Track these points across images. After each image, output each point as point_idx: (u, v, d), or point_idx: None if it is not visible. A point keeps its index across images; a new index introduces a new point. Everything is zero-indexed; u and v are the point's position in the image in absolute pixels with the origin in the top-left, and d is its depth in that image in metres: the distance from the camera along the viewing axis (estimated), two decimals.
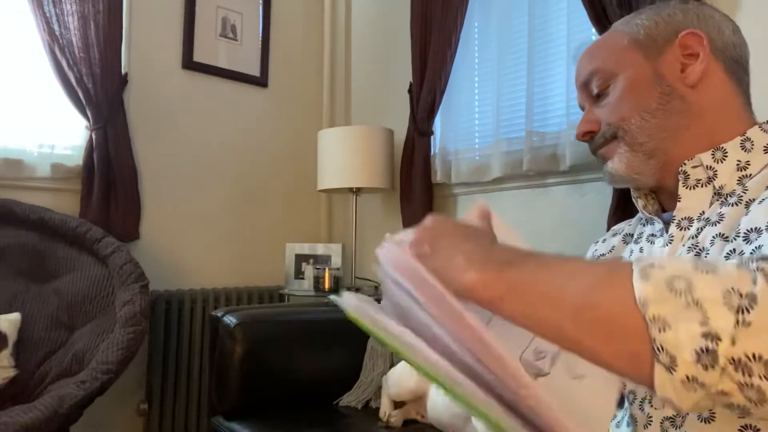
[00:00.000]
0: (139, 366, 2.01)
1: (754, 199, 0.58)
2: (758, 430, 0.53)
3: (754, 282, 0.36)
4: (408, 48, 2.12)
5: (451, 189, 2.08)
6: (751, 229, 0.54)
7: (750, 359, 0.35)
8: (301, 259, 2.30)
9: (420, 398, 1.45)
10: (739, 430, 0.53)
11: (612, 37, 0.72)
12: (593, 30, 1.56)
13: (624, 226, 0.82)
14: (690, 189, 0.65)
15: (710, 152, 0.64)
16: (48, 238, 1.77)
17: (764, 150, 0.62)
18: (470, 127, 2.06)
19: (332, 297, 0.46)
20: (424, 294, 0.43)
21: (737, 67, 0.67)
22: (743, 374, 0.35)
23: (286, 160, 2.51)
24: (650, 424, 0.61)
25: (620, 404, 0.70)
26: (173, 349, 2.04)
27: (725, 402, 0.38)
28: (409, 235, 0.49)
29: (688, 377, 0.36)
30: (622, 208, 1.45)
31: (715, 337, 0.36)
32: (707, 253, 0.59)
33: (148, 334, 1.99)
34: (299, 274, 2.29)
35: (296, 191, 2.53)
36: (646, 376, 0.38)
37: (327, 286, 2.07)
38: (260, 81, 2.43)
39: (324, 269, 2.09)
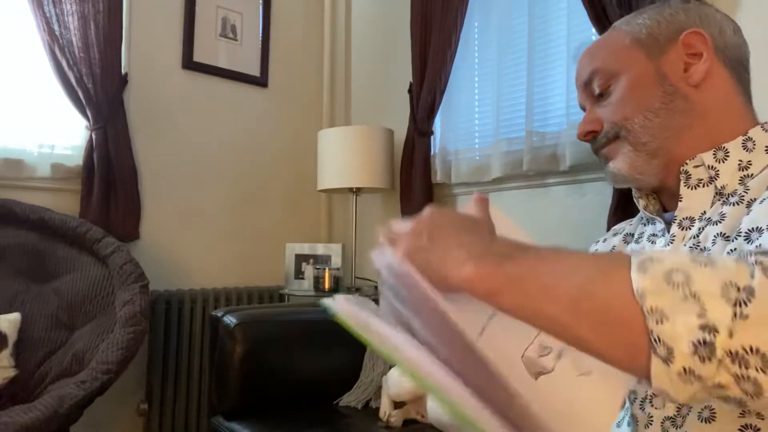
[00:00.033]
0: (139, 366, 2.01)
1: (755, 199, 0.58)
2: (758, 429, 0.53)
3: (752, 275, 0.37)
4: (408, 48, 2.12)
5: (451, 189, 2.08)
6: (753, 228, 0.54)
7: (747, 352, 0.35)
8: (301, 259, 2.30)
9: (420, 398, 1.45)
10: (739, 429, 0.53)
11: (613, 36, 0.72)
12: (593, 30, 1.56)
13: (625, 226, 0.82)
14: (691, 189, 0.64)
15: (712, 152, 0.63)
16: (48, 238, 1.77)
17: (766, 150, 0.62)
18: (470, 127, 2.06)
19: (322, 301, 0.46)
20: (415, 298, 0.43)
21: (739, 66, 0.67)
22: (740, 367, 0.36)
23: (286, 160, 2.51)
24: (651, 424, 0.61)
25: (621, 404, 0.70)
26: (173, 349, 2.04)
27: (721, 395, 0.38)
28: (407, 225, 0.49)
29: (684, 369, 0.37)
30: (622, 208, 1.45)
31: (713, 330, 0.36)
32: (708, 253, 0.59)
33: (148, 334, 1.99)
34: (299, 274, 2.29)
35: (296, 191, 2.53)
36: (643, 368, 0.39)
37: (327, 286, 2.07)
38: (260, 81, 2.43)
39: (324, 269, 2.09)
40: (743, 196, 0.60)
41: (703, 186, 0.64)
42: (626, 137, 0.67)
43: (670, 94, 0.65)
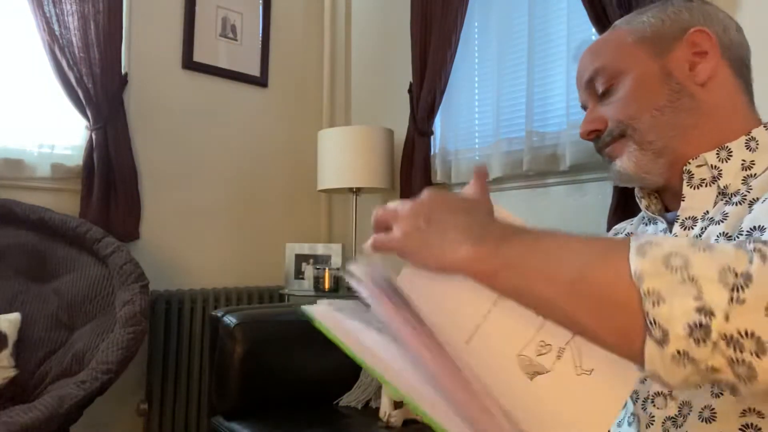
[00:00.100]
0: (139, 366, 2.01)
1: (757, 199, 0.58)
2: (759, 429, 0.53)
3: (750, 262, 0.37)
4: (408, 48, 2.12)
5: (451, 189, 2.08)
6: (755, 227, 0.54)
7: (742, 336, 0.35)
8: (301, 259, 2.30)
9: None
10: (739, 429, 0.53)
11: (617, 34, 0.71)
12: (593, 30, 1.56)
13: (626, 226, 0.82)
14: (694, 188, 0.64)
15: (715, 151, 0.63)
16: (48, 238, 1.77)
17: None
18: (470, 127, 2.06)
19: (302, 307, 0.46)
20: (395, 310, 0.43)
21: (742, 65, 0.67)
22: (735, 350, 0.36)
23: (286, 160, 2.51)
24: (652, 424, 0.61)
25: None
26: (173, 349, 2.04)
27: (714, 378, 0.38)
28: (404, 206, 0.49)
29: (678, 352, 0.37)
30: (622, 208, 1.45)
31: (709, 312, 0.36)
32: None
33: (148, 334, 1.99)
34: (299, 274, 2.29)
35: (296, 191, 2.53)
36: (637, 352, 0.39)
37: (327, 286, 2.07)
38: (260, 81, 2.43)
39: (324, 269, 2.09)
40: (746, 195, 0.59)
41: (706, 186, 0.64)
42: (632, 136, 0.67)
43: (676, 92, 0.65)
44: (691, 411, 0.57)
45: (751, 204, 0.58)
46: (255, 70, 2.41)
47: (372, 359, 0.40)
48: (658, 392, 0.62)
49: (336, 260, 2.27)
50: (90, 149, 1.92)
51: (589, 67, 0.71)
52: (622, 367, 0.45)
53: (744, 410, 0.53)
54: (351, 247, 2.28)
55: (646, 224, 0.75)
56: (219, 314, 1.59)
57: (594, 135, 0.71)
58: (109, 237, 1.77)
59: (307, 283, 2.23)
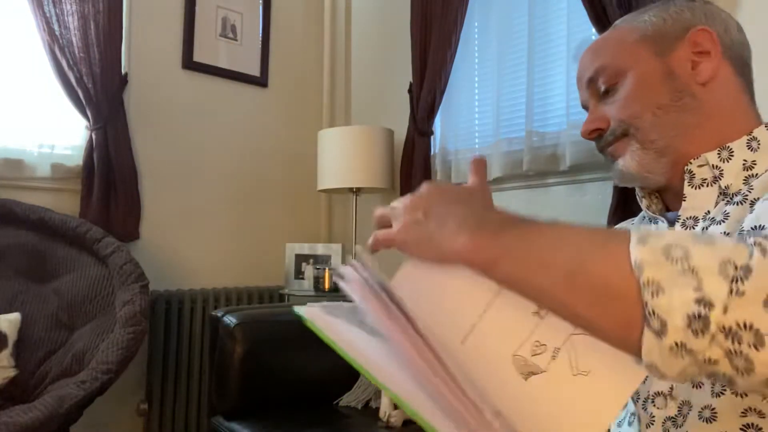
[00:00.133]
0: (139, 366, 2.01)
1: (758, 198, 0.58)
2: (760, 429, 0.53)
3: (751, 255, 0.37)
4: (408, 48, 2.12)
5: None
6: (756, 226, 0.54)
7: (741, 328, 0.35)
8: (301, 259, 2.30)
9: None
10: (740, 429, 0.53)
11: (618, 33, 0.71)
12: (593, 30, 1.56)
13: (626, 225, 0.82)
14: (695, 188, 0.64)
15: (716, 151, 0.63)
16: (48, 238, 1.77)
17: None
18: (470, 127, 2.06)
19: (294, 308, 0.46)
20: (385, 310, 0.43)
21: (743, 65, 0.67)
22: (733, 342, 0.36)
23: (286, 160, 2.51)
24: (652, 424, 0.61)
25: None
26: (173, 349, 2.04)
27: (711, 371, 0.38)
28: (403, 201, 0.50)
29: (676, 343, 0.37)
30: (622, 208, 1.45)
31: (708, 304, 0.36)
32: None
33: (148, 334, 1.99)
34: (299, 274, 2.29)
35: (296, 191, 2.53)
36: (634, 342, 0.38)
37: (327, 286, 2.07)
38: (260, 81, 2.43)
39: (324, 269, 2.09)
40: (747, 195, 0.59)
41: (707, 185, 0.63)
42: (634, 135, 0.67)
43: (679, 91, 0.65)
44: (690, 410, 0.57)
45: (752, 204, 0.58)
46: (255, 70, 2.41)
47: (363, 359, 0.40)
48: (659, 392, 0.61)
49: (336, 260, 2.27)
50: (90, 149, 1.92)
51: (591, 66, 0.71)
52: (622, 370, 0.45)
53: (745, 409, 0.53)
54: (351, 247, 2.28)
55: (647, 224, 0.75)
56: (219, 314, 1.59)
57: (596, 134, 0.71)
58: (109, 237, 1.77)
59: (307, 283, 2.23)
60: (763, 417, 0.53)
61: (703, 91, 0.64)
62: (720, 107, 0.64)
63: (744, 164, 0.62)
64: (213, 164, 2.29)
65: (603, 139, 0.70)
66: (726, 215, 0.60)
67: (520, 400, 0.45)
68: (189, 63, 2.22)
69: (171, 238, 2.16)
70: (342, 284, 0.48)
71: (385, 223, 0.52)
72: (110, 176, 1.95)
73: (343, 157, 2.10)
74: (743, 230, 0.55)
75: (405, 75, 2.17)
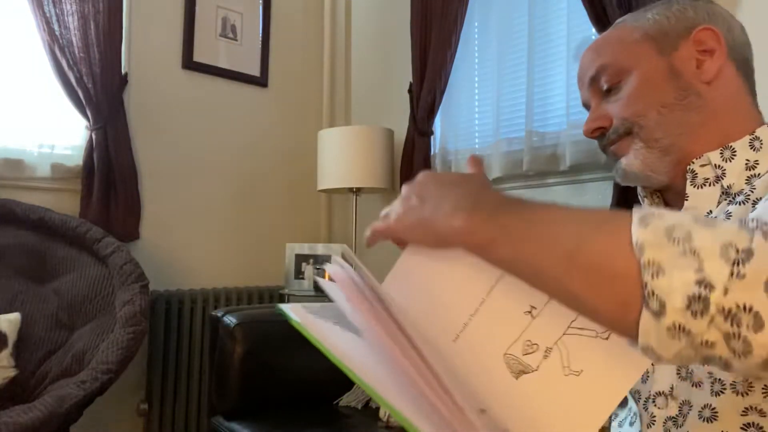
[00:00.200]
0: (139, 366, 2.01)
1: (761, 198, 0.58)
2: (761, 428, 0.53)
3: (752, 239, 0.37)
4: (408, 48, 2.12)
5: None
6: None
7: (741, 310, 0.35)
8: (301, 259, 2.30)
9: None
10: (741, 428, 0.53)
11: (621, 31, 0.70)
12: (593, 30, 1.56)
13: None
14: (698, 188, 0.64)
15: (719, 151, 0.63)
16: (48, 238, 1.77)
17: None
18: (470, 127, 2.06)
19: (279, 306, 0.46)
20: (369, 309, 0.43)
21: (746, 64, 0.67)
22: (732, 325, 0.36)
23: (286, 160, 2.51)
24: (653, 424, 0.61)
25: (623, 404, 0.70)
26: (173, 349, 2.04)
27: (707, 354, 0.37)
28: (400, 194, 0.50)
29: (674, 324, 0.36)
30: (622, 208, 1.45)
31: (709, 285, 0.36)
32: None
33: (148, 334, 1.99)
34: (299, 274, 2.29)
35: (296, 191, 2.53)
36: (631, 324, 0.38)
37: None
38: (260, 81, 2.43)
39: (324, 269, 2.08)
40: (749, 195, 0.59)
41: (710, 185, 0.63)
42: (638, 133, 0.66)
43: (684, 90, 0.64)
44: (691, 410, 0.57)
45: (754, 203, 0.58)
46: (255, 70, 2.41)
47: (346, 358, 0.40)
48: (659, 392, 0.61)
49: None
50: (90, 149, 1.92)
51: (593, 64, 0.70)
52: (614, 371, 0.45)
53: (746, 408, 0.53)
54: (351, 247, 2.28)
55: None
56: (219, 314, 1.59)
57: (599, 132, 0.70)
58: (109, 237, 1.77)
59: (307, 283, 2.23)
60: (764, 416, 0.52)
61: (707, 90, 0.64)
62: (724, 106, 0.64)
63: (746, 164, 0.62)
64: (213, 164, 2.29)
65: (606, 137, 0.70)
66: (728, 215, 0.60)
67: (512, 399, 0.45)
68: (189, 63, 2.22)
69: (171, 238, 2.16)
70: (323, 282, 0.48)
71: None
72: (110, 176, 1.95)
73: (343, 157, 2.10)
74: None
75: (405, 75, 2.17)
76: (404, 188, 0.50)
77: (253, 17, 2.41)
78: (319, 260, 2.27)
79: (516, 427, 0.45)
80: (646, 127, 0.65)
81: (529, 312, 0.46)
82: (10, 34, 1.87)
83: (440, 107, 2.05)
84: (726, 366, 0.38)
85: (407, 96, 2.13)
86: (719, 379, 0.55)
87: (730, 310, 0.35)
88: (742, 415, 0.53)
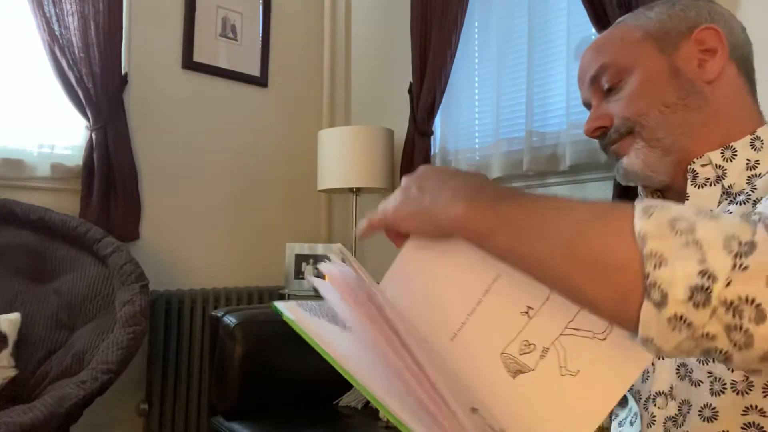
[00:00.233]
0: (139, 366, 2.01)
1: (762, 198, 0.58)
2: (762, 427, 0.52)
3: (755, 232, 0.37)
4: (408, 48, 2.12)
5: None
6: None
7: (743, 302, 0.35)
8: (301, 259, 2.30)
9: None
10: (741, 428, 0.53)
11: (622, 30, 0.70)
12: (593, 30, 1.56)
13: None
14: (698, 188, 0.64)
15: (719, 151, 0.63)
16: (48, 238, 1.77)
17: None
18: (470, 127, 2.06)
19: (274, 303, 0.46)
20: (361, 308, 0.43)
21: (747, 64, 0.67)
22: (733, 316, 0.35)
23: (286, 160, 2.51)
24: (653, 424, 0.61)
25: (624, 404, 0.70)
26: (173, 349, 2.04)
27: (707, 346, 0.37)
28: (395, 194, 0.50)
29: (676, 315, 0.36)
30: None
31: (712, 276, 0.36)
32: None
33: (148, 334, 1.99)
34: (299, 274, 2.29)
35: (296, 191, 2.53)
36: (632, 316, 0.38)
37: None
38: (260, 81, 2.43)
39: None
40: (750, 195, 0.59)
41: (710, 185, 0.63)
42: (640, 132, 0.66)
43: (685, 89, 0.64)
44: (690, 410, 0.57)
45: (755, 203, 0.58)
46: (255, 70, 2.41)
47: (338, 355, 0.40)
48: (659, 392, 0.62)
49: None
50: (90, 149, 1.92)
51: (594, 63, 0.70)
52: (611, 372, 0.45)
53: (746, 407, 0.53)
54: (351, 247, 2.28)
55: None
56: (219, 314, 1.59)
57: (600, 132, 0.70)
58: (109, 237, 1.76)
59: (307, 283, 2.23)
60: (765, 415, 0.52)
61: (709, 90, 0.64)
62: (725, 106, 0.64)
63: (747, 164, 0.62)
64: (213, 164, 2.29)
65: (607, 136, 0.70)
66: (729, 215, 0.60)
67: (509, 398, 0.45)
68: (189, 63, 2.22)
69: (171, 238, 2.16)
70: (315, 281, 0.48)
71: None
72: (110, 176, 1.95)
73: (343, 157, 2.10)
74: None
75: (405, 75, 2.17)
76: (404, 180, 0.50)
77: (253, 17, 2.41)
78: (319, 260, 2.27)
79: (513, 426, 0.45)
80: (648, 126, 0.65)
81: (526, 312, 0.46)
82: (10, 34, 1.87)
83: (440, 107, 2.05)
84: (726, 359, 0.38)
85: (407, 96, 2.13)
86: (719, 379, 0.55)
87: (732, 302, 0.35)
88: (742, 414, 0.53)
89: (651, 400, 0.62)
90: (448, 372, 0.45)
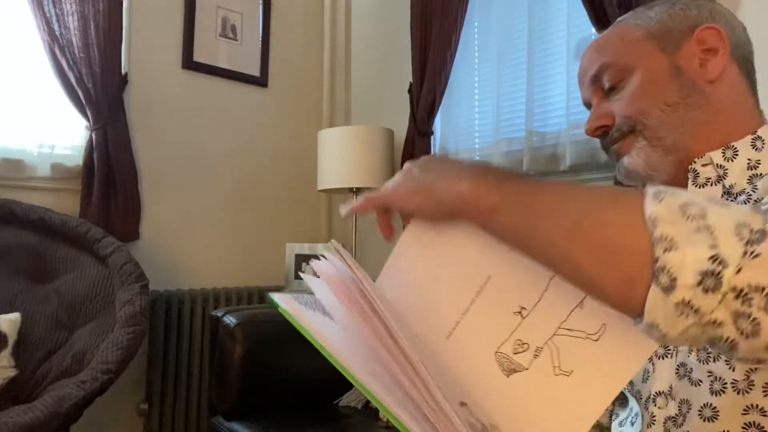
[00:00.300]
0: (139, 366, 2.00)
1: (763, 198, 0.58)
2: (762, 427, 0.52)
3: (765, 221, 0.36)
4: (408, 48, 2.12)
5: None
6: None
7: (752, 290, 0.35)
8: (301, 259, 2.30)
9: None
10: (742, 428, 0.53)
11: (623, 29, 0.70)
12: (593, 30, 1.56)
13: None
14: (699, 187, 0.64)
15: (720, 151, 0.63)
16: (48, 238, 1.77)
17: None
18: (470, 127, 2.06)
19: (270, 294, 0.46)
20: (354, 305, 0.43)
21: (748, 64, 0.67)
22: (742, 304, 0.35)
23: (286, 160, 2.51)
24: (653, 424, 0.61)
25: (624, 404, 0.69)
26: (173, 349, 2.04)
27: (713, 334, 0.37)
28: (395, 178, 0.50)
29: (684, 300, 0.36)
30: None
31: (723, 262, 0.35)
32: None
33: (148, 334, 1.99)
34: (299, 274, 2.29)
35: (296, 191, 2.53)
36: (637, 300, 0.38)
37: None
38: (260, 81, 2.43)
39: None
40: (751, 195, 0.59)
41: (711, 185, 0.63)
42: (642, 132, 0.66)
43: (687, 88, 0.64)
44: (690, 410, 0.57)
45: (756, 203, 0.58)
46: (255, 70, 2.41)
47: (331, 347, 0.40)
48: (659, 392, 0.61)
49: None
50: (90, 149, 1.92)
51: (595, 63, 0.70)
52: (604, 372, 0.45)
53: (746, 407, 0.53)
54: (351, 247, 2.28)
55: None
56: (219, 314, 1.59)
57: (601, 131, 0.70)
58: (109, 237, 1.76)
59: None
60: (765, 415, 0.52)
61: (711, 89, 0.64)
62: (727, 105, 0.64)
63: (748, 163, 0.62)
64: (213, 164, 2.29)
65: (608, 136, 0.69)
66: None
67: (503, 397, 0.46)
68: (189, 63, 2.22)
69: (171, 238, 2.16)
70: (307, 278, 0.48)
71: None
72: (110, 176, 1.95)
73: (343, 157, 2.09)
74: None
75: (405, 75, 2.17)
76: (406, 164, 0.49)
77: (253, 17, 2.41)
78: None
79: (507, 424, 0.45)
80: (650, 125, 0.65)
81: (519, 312, 0.46)
82: (10, 34, 1.87)
83: (440, 107, 2.05)
84: (731, 347, 0.37)
85: (407, 96, 2.13)
86: (719, 378, 0.55)
87: (741, 290, 0.35)
88: (743, 414, 0.53)
89: (651, 400, 0.62)
90: (437, 367, 0.45)
